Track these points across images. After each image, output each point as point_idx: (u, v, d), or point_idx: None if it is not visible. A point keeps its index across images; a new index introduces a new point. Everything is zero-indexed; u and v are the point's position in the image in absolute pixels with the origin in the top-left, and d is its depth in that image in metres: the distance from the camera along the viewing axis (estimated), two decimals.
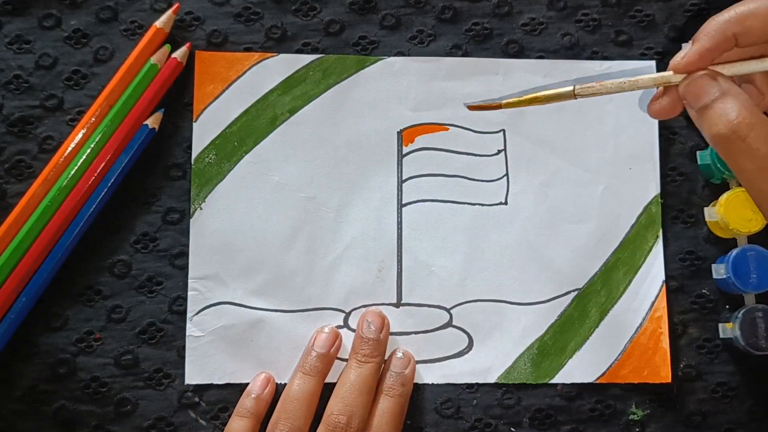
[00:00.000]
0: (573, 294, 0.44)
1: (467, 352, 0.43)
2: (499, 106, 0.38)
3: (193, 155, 0.44)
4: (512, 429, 0.43)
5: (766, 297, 0.43)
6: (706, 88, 0.33)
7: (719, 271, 0.43)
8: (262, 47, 0.45)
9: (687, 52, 0.34)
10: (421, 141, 0.45)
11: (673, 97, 0.35)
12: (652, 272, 0.44)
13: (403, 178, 0.44)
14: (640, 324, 0.44)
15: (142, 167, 0.43)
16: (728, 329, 0.43)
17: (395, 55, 0.45)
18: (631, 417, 0.43)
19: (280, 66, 0.45)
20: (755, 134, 0.31)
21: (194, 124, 0.44)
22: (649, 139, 0.45)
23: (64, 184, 0.42)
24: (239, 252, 0.43)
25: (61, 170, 0.42)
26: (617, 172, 0.45)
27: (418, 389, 0.43)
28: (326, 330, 0.42)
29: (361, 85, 0.45)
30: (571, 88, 0.35)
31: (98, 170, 0.42)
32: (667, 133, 0.45)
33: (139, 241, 0.43)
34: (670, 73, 0.34)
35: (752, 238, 0.44)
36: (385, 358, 0.42)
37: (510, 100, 0.37)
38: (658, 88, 0.35)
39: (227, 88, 0.44)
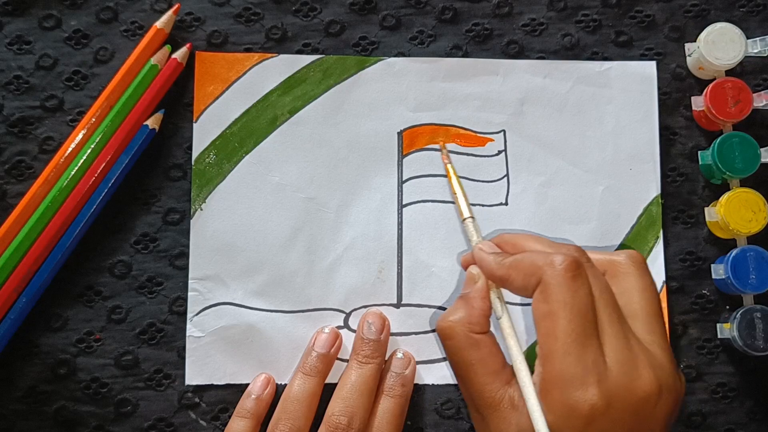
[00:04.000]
0: None
1: None
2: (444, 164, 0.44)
3: (194, 156, 0.44)
4: None
5: (765, 298, 0.43)
6: (469, 282, 0.39)
7: (718, 271, 0.43)
8: (262, 48, 0.45)
9: (476, 257, 0.39)
10: (421, 141, 0.45)
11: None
12: (653, 272, 0.44)
13: (404, 178, 0.44)
14: None
15: (142, 168, 0.43)
16: (726, 330, 0.43)
17: (395, 55, 0.45)
18: None
19: (281, 66, 0.45)
20: (454, 343, 0.37)
21: (194, 124, 0.44)
22: (650, 140, 0.45)
23: (65, 184, 0.42)
24: (239, 252, 0.43)
25: (61, 171, 0.42)
26: (617, 172, 0.45)
27: (419, 390, 0.43)
28: (326, 330, 0.42)
29: (362, 86, 0.45)
30: (468, 215, 0.42)
31: (98, 171, 0.42)
32: (668, 133, 0.45)
33: (140, 242, 0.43)
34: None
35: (752, 239, 0.44)
36: (386, 358, 0.42)
37: (448, 170, 0.44)
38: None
39: (227, 88, 0.44)
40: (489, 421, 0.35)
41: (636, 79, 0.45)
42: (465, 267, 0.40)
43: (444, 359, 0.43)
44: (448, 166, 0.44)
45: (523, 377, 0.35)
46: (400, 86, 0.45)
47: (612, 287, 0.36)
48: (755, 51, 0.44)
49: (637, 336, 0.35)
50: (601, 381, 0.32)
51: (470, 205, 0.44)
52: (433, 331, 0.43)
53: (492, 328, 0.37)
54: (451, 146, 0.45)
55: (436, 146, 0.45)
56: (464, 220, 0.42)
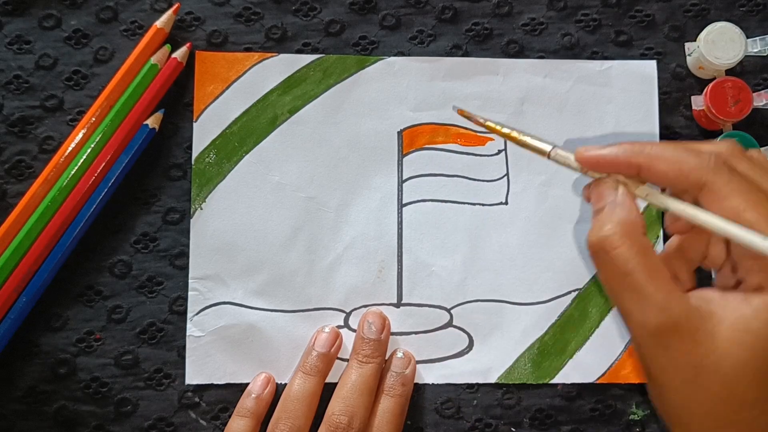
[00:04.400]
0: (573, 294, 0.44)
1: (467, 352, 0.43)
2: (482, 124, 0.37)
3: (194, 155, 0.44)
4: (513, 429, 0.43)
5: None
6: (604, 194, 0.32)
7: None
8: (262, 47, 0.45)
9: (596, 149, 0.33)
10: (421, 141, 0.45)
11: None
12: None
13: (404, 178, 0.44)
14: None
15: (142, 167, 0.43)
16: None
17: (395, 55, 0.45)
18: (632, 417, 0.43)
19: (281, 66, 0.45)
20: (622, 251, 0.30)
21: (194, 124, 0.44)
22: (650, 139, 0.45)
23: (65, 184, 0.41)
24: (239, 252, 0.43)
25: (61, 170, 0.42)
26: None
27: (419, 389, 0.43)
28: (327, 330, 0.42)
29: (362, 85, 0.45)
30: (549, 147, 0.34)
31: (98, 170, 0.42)
32: (668, 133, 0.45)
33: (140, 241, 0.43)
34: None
35: None
36: (386, 358, 0.42)
37: (493, 126, 0.36)
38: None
39: (227, 88, 0.44)
40: (680, 337, 0.29)
41: (636, 79, 0.45)
42: (585, 164, 0.33)
43: (444, 359, 0.43)
44: (489, 123, 0.37)
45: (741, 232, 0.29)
46: (400, 86, 0.45)
47: None
48: (755, 50, 0.44)
49: None
50: None
51: (479, 204, 0.44)
52: (434, 331, 0.43)
53: None
54: (451, 146, 0.45)
55: (438, 146, 0.45)
56: (549, 153, 0.34)
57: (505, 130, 0.36)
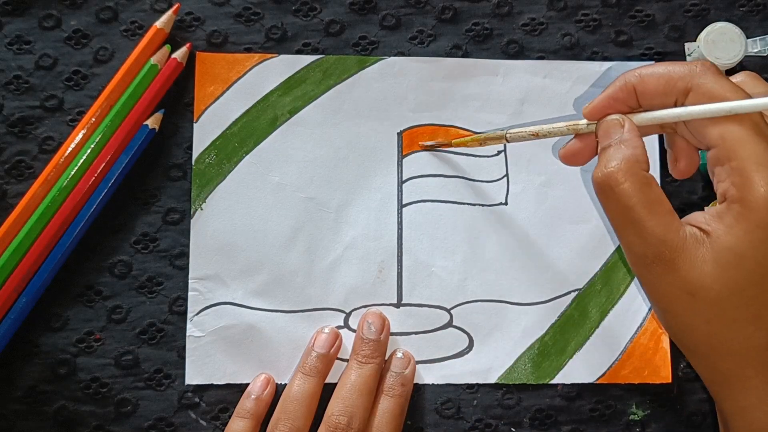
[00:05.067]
0: (573, 294, 0.44)
1: (467, 353, 0.43)
2: (449, 145, 0.43)
3: (194, 156, 0.44)
4: (513, 429, 0.43)
5: None
6: (610, 131, 0.34)
7: None
8: (262, 48, 0.45)
9: (596, 99, 0.35)
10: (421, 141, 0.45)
11: (584, 143, 0.36)
12: None
13: (403, 178, 0.44)
14: (641, 324, 0.44)
15: (142, 168, 0.43)
16: None
17: (395, 55, 0.45)
18: (632, 417, 0.43)
19: (281, 66, 0.45)
20: (625, 187, 0.32)
21: (195, 124, 0.44)
22: (649, 139, 0.45)
23: (65, 184, 0.42)
24: (239, 252, 0.43)
25: (61, 171, 0.42)
26: None
27: (419, 389, 0.43)
28: (326, 330, 0.42)
29: (362, 86, 0.45)
30: (503, 132, 0.39)
31: (98, 171, 0.42)
32: None
33: (140, 242, 0.43)
34: (583, 121, 0.36)
35: None
36: (386, 358, 0.42)
37: (458, 141, 0.43)
38: (573, 135, 0.37)
39: (228, 88, 0.44)
40: (675, 266, 0.31)
41: None
42: (571, 152, 0.37)
43: (444, 359, 0.43)
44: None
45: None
46: (400, 86, 0.45)
47: None
48: (755, 50, 0.44)
49: None
50: None
51: (478, 204, 0.44)
52: (434, 331, 0.43)
53: None
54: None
55: (440, 146, 0.45)
56: (506, 136, 0.39)
57: (465, 139, 0.41)
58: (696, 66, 0.32)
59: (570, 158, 0.37)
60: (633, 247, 0.33)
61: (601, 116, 0.35)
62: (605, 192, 0.33)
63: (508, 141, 0.39)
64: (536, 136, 0.38)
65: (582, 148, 0.36)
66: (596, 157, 0.35)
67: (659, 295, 0.32)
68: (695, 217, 0.32)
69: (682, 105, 0.33)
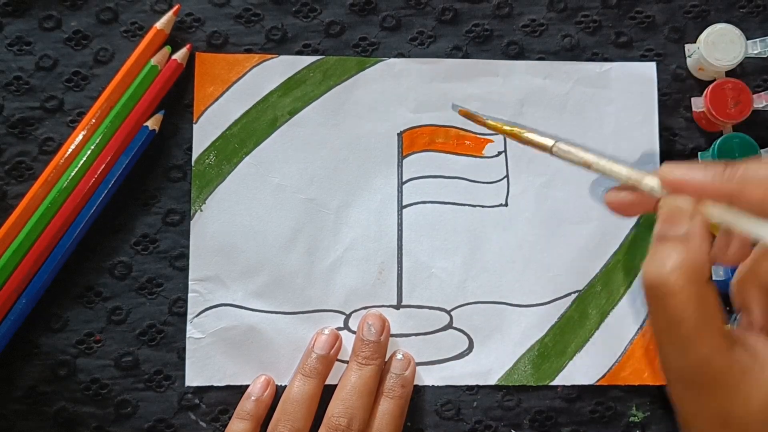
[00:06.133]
0: (573, 296, 0.44)
1: (467, 354, 0.43)
2: (484, 124, 0.37)
3: (194, 157, 0.44)
4: (512, 431, 0.43)
5: None
6: (674, 218, 0.29)
7: (718, 272, 0.43)
8: (262, 49, 0.45)
9: (683, 169, 0.29)
10: (421, 142, 0.45)
11: (642, 198, 0.31)
12: None
13: (404, 179, 0.44)
14: (641, 326, 0.44)
15: (142, 169, 0.43)
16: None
17: (395, 56, 0.45)
18: (632, 419, 0.43)
19: (281, 67, 0.45)
20: (680, 299, 0.28)
21: (194, 125, 0.44)
22: (650, 141, 0.45)
23: (65, 185, 0.42)
24: (239, 254, 0.43)
25: (61, 172, 0.42)
26: None
27: (419, 391, 0.43)
28: (326, 332, 0.42)
29: (362, 87, 0.45)
30: (552, 142, 0.33)
31: (98, 172, 0.42)
32: (668, 134, 0.45)
33: (140, 243, 0.43)
34: (653, 181, 0.30)
35: None
36: (386, 360, 0.42)
37: (495, 123, 0.36)
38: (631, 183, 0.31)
39: (227, 89, 0.44)
40: (714, 392, 0.28)
41: (636, 80, 0.45)
42: (622, 204, 0.32)
43: (444, 361, 0.43)
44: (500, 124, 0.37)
45: None
46: (400, 87, 0.45)
47: None
48: (755, 52, 0.44)
49: None
50: None
51: (478, 206, 0.44)
52: (434, 332, 0.43)
53: None
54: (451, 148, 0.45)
55: (436, 148, 0.45)
56: (552, 148, 0.33)
57: (507, 128, 0.35)
58: None
59: (618, 208, 0.32)
60: (671, 361, 0.29)
61: (676, 190, 0.29)
62: (656, 296, 0.28)
63: (552, 154, 0.33)
64: (588, 166, 0.32)
65: (637, 203, 0.31)
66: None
67: (690, 413, 0.29)
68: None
69: None
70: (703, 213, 0.29)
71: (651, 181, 0.30)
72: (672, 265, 0.28)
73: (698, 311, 0.27)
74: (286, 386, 0.42)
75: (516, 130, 0.34)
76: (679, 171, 0.29)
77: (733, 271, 0.40)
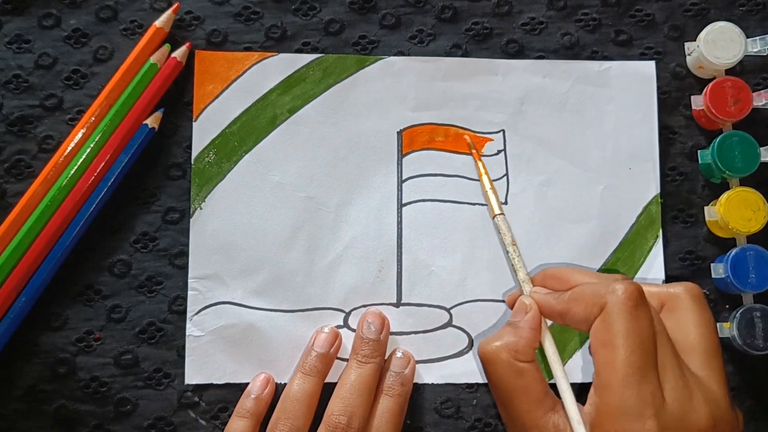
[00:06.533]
0: None
1: (467, 352, 0.43)
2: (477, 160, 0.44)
3: (193, 155, 0.44)
4: None
5: (764, 297, 0.43)
6: (517, 311, 0.39)
7: (718, 270, 0.43)
8: (262, 47, 0.45)
9: (542, 294, 0.39)
10: (420, 141, 0.45)
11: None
12: (652, 272, 0.44)
13: (403, 177, 0.44)
14: None
15: (141, 167, 0.43)
16: (726, 329, 0.43)
17: (395, 54, 0.45)
18: None
19: (280, 65, 0.45)
20: (497, 368, 0.37)
21: (194, 123, 0.44)
22: (649, 139, 0.45)
23: (64, 183, 0.41)
24: (239, 252, 0.43)
25: (60, 170, 0.42)
26: (617, 171, 0.45)
27: (418, 389, 0.43)
28: (326, 330, 0.42)
29: (361, 85, 0.45)
30: (498, 212, 0.43)
31: (98, 170, 0.42)
32: (667, 132, 0.45)
33: (139, 241, 0.43)
34: (528, 292, 0.41)
35: (752, 238, 0.44)
36: (385, 358, 0.42)
37: (480, 166, 0.44)
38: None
39: (227, 87, 0.44)
40: None
41: (635, 79, 0.45)
42: (511, 304, 0.41)
43: (444, 359, 0.43)
44: (479, 164, 0.44)
45: (570, 406, 0.35)
46: (399, 85, 0.45)
47: (668, 321, 0.36)
48: (755, 50, 0.44)
49: (693, 370, 0.34)
50: (659, 414, 0.32)
51: (478, 204, 0.44)
52: (434, 330, 0.43)
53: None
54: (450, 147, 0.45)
55: (436, 147, 0.45)
56: (495, 216, 0.43)
57: (482, 171, 0.44)
58: (614, 290, 0.35)
59: (509, 304, 0.42)
60: (502, 415, 0.39)
61: (539, 305, 0.39)
62: (484, 363, 0.38)
63: (492, 219, 0.44)
64: (506, 248, 0.43)
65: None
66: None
67: None
68: (571, 409, 0.36)
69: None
70: (536, 310, 0.39)
71: (526, 293, 0.41)
72: (499, 344, 0.37)
73: (517, 380, 0.36)
74: (285, 384, 0.42)
75: (486, 180, 0.44)
76: (537, 296, 0.39)
77: (733, 270, 0.41)
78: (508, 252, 0.42)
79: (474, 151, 0.44)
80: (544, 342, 0.39)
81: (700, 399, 0.33)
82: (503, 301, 0.44)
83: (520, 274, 0.42)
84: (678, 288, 0.38)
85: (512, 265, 0.42)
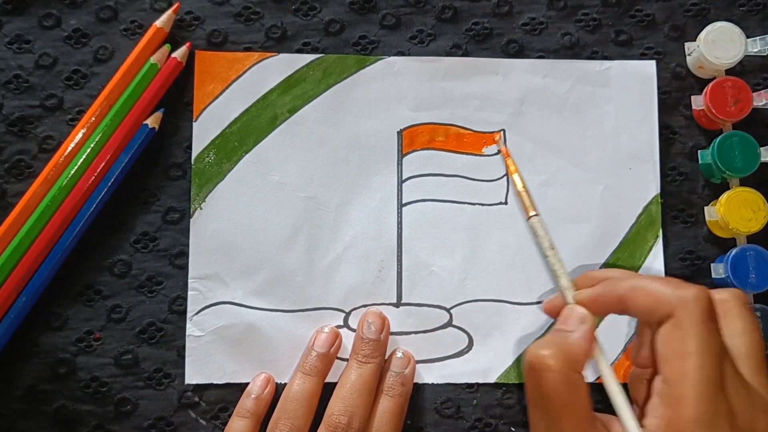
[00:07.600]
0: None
1: (467, 352, 0.43)
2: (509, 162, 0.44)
3: (193, 155, 0.44)
4: (512, 429, 0.43)
5: (764, 297, 0.43)
6: (569, 320, 0.37)
7: (718, 270, 0.43)
8: (262, 47, 0.45)
9: (585, 292, 0.38)
10: (421, 141, 0.45)
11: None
12: (652, 272, 0.44)
13: (403, 177, 0.44)
14: None
15: (142, 167, 0.43)
16: None
17: (395, 54, 0.45)
18: None
19: (280, 66, 0.45)
20: (552, 377, 0.33)
21: (194, 123, 0.44)
22: (649, 139, 0.45)
23: (64, 183, 0.42)
24: (239, 252, 0.43)
25: (61, 170, 0.42)
26: (617, 171, 0.45)
27: (418, 389, 0.43)
28: (326, 330, 0.42)
29: (361, 85, 0.45)
30: (534, 213, 0.43)
31: (98, 170, 0.42)
32: (667, 132, 0.45)
33: (139, 241, 0.43)
34: (572, 296, 0.39)
35: (752, 238, 0.44)
36: (386, 358, 0.42)
37: (514, 169, 0.44)
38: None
39: (227, 87, 0.44)
40: None
41: (636, 79, 0.45)
42: (551, 311, 0.39)
43: (444, 359, 0.43)
44: (508, 161, 0.44)
45: (629, 422, 0.34)
46: (399, 85, 0.45)
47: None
48: (755, 50, 0.44)
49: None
50: (733, 426, 0.32)
51: (478, 204, 0.44)
52: (434, 330, 0.43)
53: None
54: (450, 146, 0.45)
55: (436, 146, 0.45)
56: (529, 218, 0.42)
57: (516, 177, 0.44)
58: (688, 296, 0.33)
59: (549, 312, 0.40)
60: (538, 430, 0.35)
61: (582, 303, 0.38)
62: (533, 370, 0.34)
63: (527, 220, 0.43)
64: (544, 250, 0.42)
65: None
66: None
67: None
68: (615, 422, 0.34)
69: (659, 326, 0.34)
70: (593, 324, 0.36)
71: (569, 295, 0.39)
72: (552, 350, 0.34)
73: (572, 393, 0.33)
74: (286, 384, 0.42)
75: (520, 182, 0.43)
76: (587, 293, 0.37)
77: (733, 270, 0.41)
78: (547, 257, 0.41)
79: (503, 147, 0.44)
80: (597, 355, 0.36)
81: (761, 407, 0.33)
82: (503, 301, 0.44)
83: (563, 281, 0.39)
84: (725, 294, 0.36)
85: (553, 270, 0.41)
